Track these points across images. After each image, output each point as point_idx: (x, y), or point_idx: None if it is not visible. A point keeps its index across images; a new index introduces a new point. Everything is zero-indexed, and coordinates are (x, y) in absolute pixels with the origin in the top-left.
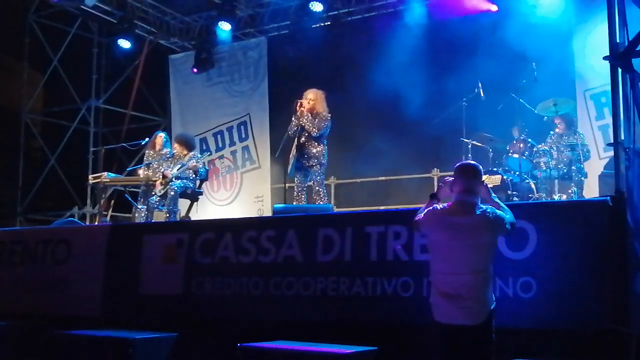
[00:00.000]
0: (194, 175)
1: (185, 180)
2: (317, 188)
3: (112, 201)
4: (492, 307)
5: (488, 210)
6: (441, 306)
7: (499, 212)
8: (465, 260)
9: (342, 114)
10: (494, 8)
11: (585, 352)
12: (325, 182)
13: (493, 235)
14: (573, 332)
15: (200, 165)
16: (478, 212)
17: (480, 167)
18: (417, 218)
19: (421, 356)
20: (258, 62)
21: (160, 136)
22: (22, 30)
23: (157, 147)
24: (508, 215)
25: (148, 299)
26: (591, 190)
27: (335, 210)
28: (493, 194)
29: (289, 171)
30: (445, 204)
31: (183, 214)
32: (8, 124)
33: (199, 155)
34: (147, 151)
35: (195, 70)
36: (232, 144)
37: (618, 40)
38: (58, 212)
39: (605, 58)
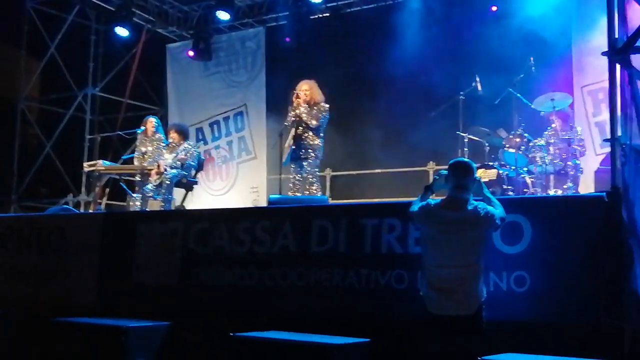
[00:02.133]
0: (181, 167)
1: (179, 170)
2: (311, 179)
3: (107, 189)
4: (482, 299)
5: (479, 206)
6: (433, 298)
7: (489, 207)
8: (456, 254)
9: (338, 106)
10: (494, 8)
11: (579, 346)
12: (321, 173)
13: (483, 230)
14: (567, 327)
15: (188, 158)
16: (469, 207)
17: (473, 163)
18: (411, 210)
19: (414, 348)
20: (256, 52)
21: (151, 121)
22: (19, 17)
23: (149, 132)
24: (498, 210)
25: (142, 287)
26: (587, 186)
27: (331, 202)
28: (486, 189)
29: (283, 160)
30: (439, 199)
31: (178, 203)
32: (4, 110)
33: (191, 145)
34: (139, 136)
35: (191, 53)
36: (229, 134)
37: (617, 36)
38: (52, 199)
39: (603, 54)
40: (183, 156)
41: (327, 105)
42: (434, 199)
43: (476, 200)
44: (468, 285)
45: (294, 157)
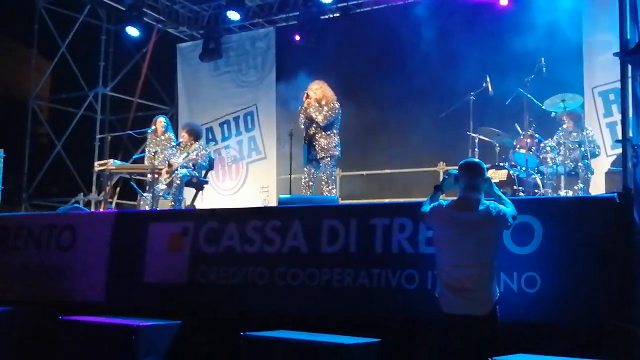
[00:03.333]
0: (192, 168)
1: (190, 169)
2: (326, 180)
3: (118, 188)
4: (496, 299)
5: (491, 206)
6: (448, 298)
7: (501, 206)
8: (470, 254)
9: (349, 106)
10: (504, 2)
11: (590, 348)
12: None
13: (496, 230)
14: (577, 328)
15: (200, 159)
16: (481, 208)
17: (484, 164)
18: (422, 210)
19: (424, 348)
20: (266, 52)
21: (161, 120)
22: (31, 16)
23: (159, 131)
24: (509, 209)
25: (152, 286)
26: (598, 187)
27: (341, 202)
28: (496, 187)
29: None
30: (450, 200)
31: (188, 202)
32: (15, 110)
33: (204, 145)
34: (149, 136)
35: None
36: (239, 133)
37: (628, 37)
38: (63, 198)
39: (615, 54)
40: (194, 157)
41: (338, 104)
42: (444, 199)
43: (487, 199)
44: (482, 284)
45: (310, 159)
